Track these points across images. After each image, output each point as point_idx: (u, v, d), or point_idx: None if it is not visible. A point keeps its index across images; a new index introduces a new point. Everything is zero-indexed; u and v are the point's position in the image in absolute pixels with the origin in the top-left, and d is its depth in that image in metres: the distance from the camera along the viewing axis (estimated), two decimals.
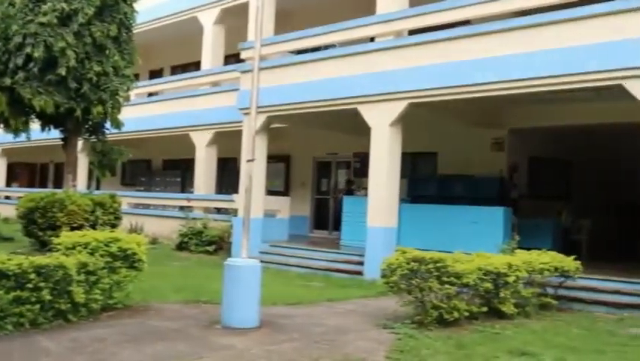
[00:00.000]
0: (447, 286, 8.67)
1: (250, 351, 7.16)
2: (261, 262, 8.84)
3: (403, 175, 14.53)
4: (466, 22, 13.93)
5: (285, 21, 18.27)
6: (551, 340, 8.19)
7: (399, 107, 13.66)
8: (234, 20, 20.32)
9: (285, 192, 21.35)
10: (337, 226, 18.59)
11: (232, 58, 21.34)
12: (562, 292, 10.82)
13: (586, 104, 14.09)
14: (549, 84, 11.73)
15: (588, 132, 16.24)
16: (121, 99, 15.58)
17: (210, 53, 21.66)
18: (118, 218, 15.49)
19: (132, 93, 18.01)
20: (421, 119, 14.79)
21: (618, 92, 10.94)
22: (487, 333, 8.43)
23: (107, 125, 16.17)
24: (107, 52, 14.99)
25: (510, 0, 12.50)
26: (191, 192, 21.46)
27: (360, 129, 14.64)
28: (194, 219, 19.09)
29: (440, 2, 13.47)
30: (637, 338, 8.52)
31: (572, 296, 10.95)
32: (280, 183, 22.02)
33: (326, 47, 16.37)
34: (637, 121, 10.92)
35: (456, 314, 8.72)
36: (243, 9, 18.39)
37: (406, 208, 15.12)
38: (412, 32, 14.25)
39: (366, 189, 15.01)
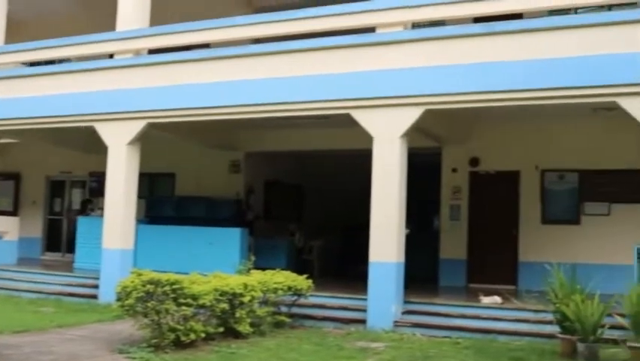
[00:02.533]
0: (183, 307, 8.70)
1: None
2: None
3: (141, 195, 14.30)
4: (207, 46, 14.19)
5: (18, 31, 17.28)
6: (284, 356, 8.50)
7: (137, 126, 13.46)
8: None
9: (13, 212, 20.08)
10: (71, 247, 17.83)
11: None
12: (295, 310, 11.29)
13: (317, 131, 14.88)
14: (278, 110, 12.27)
15: (319, 158, 17.20)
16: None
17: None
18: None
19: None
20: (161, 139, 14.73)
21: (346, 120, 11.70)
22: (223, 353, 8.56)
23: None
24: None
25: (247, 28, 12.96)
26: None
27: (97, 148, 14.23)
28: None
29: (178, 24, 13.56)
30: (362, 351, 9.11)
31: (303, 314, 11.43)
32: (9, 203, 20.68)
33: (61, 61, 15.74)
34: (361, 148, 11.76)
35: (193, 336, 8.77)
36: None
37: (143, 229, 14.92)
38: (153, 52, 14.18)
39: (102, 209, 14.58)
